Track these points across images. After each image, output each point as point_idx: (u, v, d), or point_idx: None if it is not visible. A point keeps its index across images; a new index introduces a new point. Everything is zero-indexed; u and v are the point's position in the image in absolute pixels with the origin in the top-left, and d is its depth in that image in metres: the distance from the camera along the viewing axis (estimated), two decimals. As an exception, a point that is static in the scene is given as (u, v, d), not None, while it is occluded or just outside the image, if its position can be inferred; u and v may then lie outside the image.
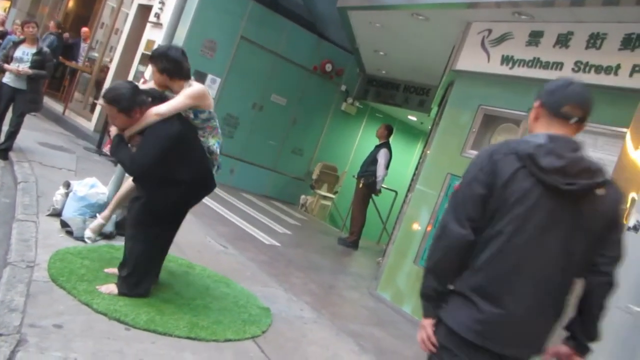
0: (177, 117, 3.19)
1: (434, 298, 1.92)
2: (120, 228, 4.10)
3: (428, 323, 1.93)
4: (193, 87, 3.32)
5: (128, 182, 3.57)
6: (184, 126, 3.21)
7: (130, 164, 3.10)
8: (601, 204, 1.82)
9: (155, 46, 7.52)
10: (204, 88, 3.41)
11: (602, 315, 1.90)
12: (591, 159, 1.85)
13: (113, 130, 3.17)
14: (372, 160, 7.65)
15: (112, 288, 3.19)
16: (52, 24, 10.56)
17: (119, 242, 3.72)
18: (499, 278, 1.81)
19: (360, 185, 7.73)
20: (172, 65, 3.33)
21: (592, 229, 1.83)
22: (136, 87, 3.15)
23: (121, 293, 3.17)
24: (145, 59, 8.38)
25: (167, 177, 3.16)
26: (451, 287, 1.91)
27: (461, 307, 1.85)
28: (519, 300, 1.79)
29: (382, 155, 7.57)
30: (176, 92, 3.32)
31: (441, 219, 1.93)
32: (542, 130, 1.91)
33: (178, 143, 3.14)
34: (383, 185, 7.85)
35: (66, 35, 10.82)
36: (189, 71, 3.43)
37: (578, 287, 1.90)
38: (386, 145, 7.71)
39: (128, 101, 3.02)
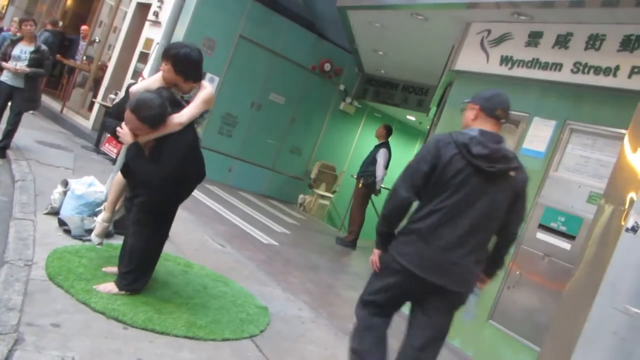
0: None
1: (384, 237, 2.70)
2: (118, 227, 4.09)
3: (377, 252, 2.75)
4: (206, 91, 3.28)
5: (117, 179, 3.51)
6: (194, 128, 3.23)
7: (154, 176, 3.06)
8: (513, 182, 2.59)
9: (157, 41, 7.51)
10: (212, 89, 3.40)
11: (506, 255, 2.75)
12: (509, 149, 2.64)
13: (127, 136, 3.06)
14: (371, 161, 7.64)
15: (110, 287, 3.18)
16: (48, 20, 10.53)
17: (117, 241, 3.71)
18: (433, 227, 2.52)
19: (360, 185, 7.72)
20: (193, 68, 3.23)
21: (505, 200, 2.58)
22: (164, 102, 3.02)
23: (121, 289, 3.18)
24: (144, 57, 8.37)
25: (177, 177, 3.15)
26: (396, 231, 2.67)
27: (403, 244, 2.60)
28: (444, 243, 2.51)
29: (381, 156, 7.57)
30: (184, 92, 3.30)
31: (394, 184, 2.63)
32: (477, 126, 2.60)
33: (193, 147, 3.18)
34: (382, 185, 7.85)
35: (60, 29, 10.71)
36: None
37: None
38: (385, 145, 7.70)
39: (159, 120, 2.98)
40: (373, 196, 7.93)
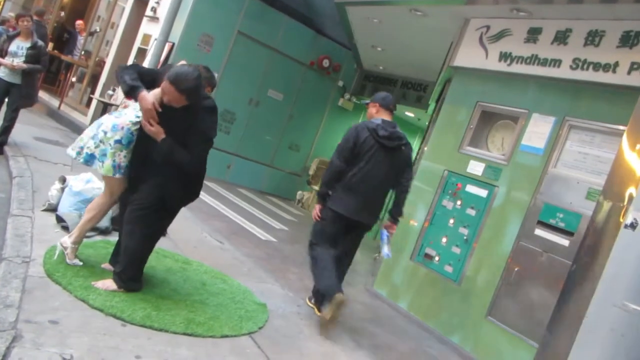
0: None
1: (324, 196, 3.96)
2: (115, 223, 4.08)
3: (318, 207, 4.00)
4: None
5: (95, 204, 3.37)
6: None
7: (192, 162, 3.12)
8: (403, 154, 3.96)
9: (155, 37, 7.46)
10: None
11: (403, 204, 4.04)
12: (400, 131, 3.95)
13: (159, 133, 3.06)
14: None
15: (108, 284, 3.17)
16: (33, 11, 10.41)
17: (115, 238, 3.70)
18: (356, 185, 3.84)
19: None
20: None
21: (399, 165, 3.96)
22: (200, 75, 3.07)
23: (119, 286, 3.17)
24: (142, 53, 8.34)
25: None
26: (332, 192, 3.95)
27: (338, 199, 3.89)
28: (362, 196, 3.86)
29: None
30: None
31: (331, 158, 3.96)
32: (379, 117, 3.99)
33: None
34: None
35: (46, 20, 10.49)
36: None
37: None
38: None
39: (197, 92, 3.03)
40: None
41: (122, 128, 3.23)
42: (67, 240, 3.35)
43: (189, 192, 3.37)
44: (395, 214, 4.03)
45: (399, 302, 4.96)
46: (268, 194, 9.46)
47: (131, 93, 3.06)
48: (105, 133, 3.20)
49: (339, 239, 3.97)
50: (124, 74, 3.11)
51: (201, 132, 3.13)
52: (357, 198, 3.83)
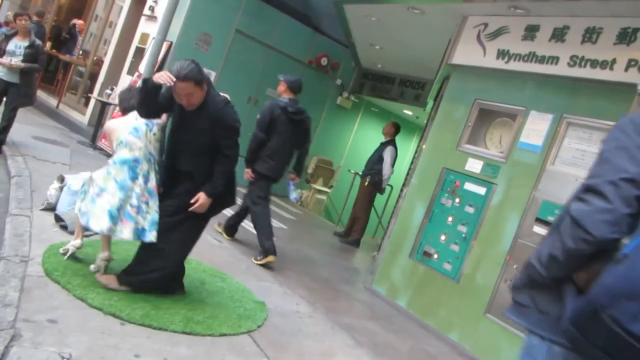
0: None
1: (251, 161, 5.03)
2: None
3: (249, 170, 5.05)
4: None
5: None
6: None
7: (234, 159, 3.43)
8: (305, 124, 5.20)
9: (153, 36, 7.47)
10: None
11: (304, 162, 5.43)
12: (302, 107, 5.18)
13: (203, 206, 3.24)
14: (377, 159, 7.46)
15: (111, 279, 3.17)
16: (33, 12, 10.39)
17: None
18: (275, 151, 5.00)
19: (366, 184, 7.59)
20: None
21: (302, 133, 5.21)
22: (193, 60, 3.16)
23: (121, 284, 3.19)
24: (140, 52, 8.33)
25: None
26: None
27: (262, 163, 5.00)
28: (280, 159, 5.06)
29: (388, 153, 7.39)
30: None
31: (253, 132, 5.01)
32: (287, 96, 5.07)
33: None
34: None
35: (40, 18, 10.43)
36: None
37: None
38: (392, 142, 7.55)
39: (199, 74, 3.09)
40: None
41: (157, 193, 3.29)
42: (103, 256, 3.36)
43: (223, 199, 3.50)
44: (298, 170, 5.42)
45: (397, 300, 4.97)
46: (267, 192, 9.44)
47: (145, 82, 3.13)
48: (148, 203, 3.22)
49: (268, 193, 5.22)
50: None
51: (228, 127, 3.27)
52: (277, 162, 5.02)
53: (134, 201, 3.16)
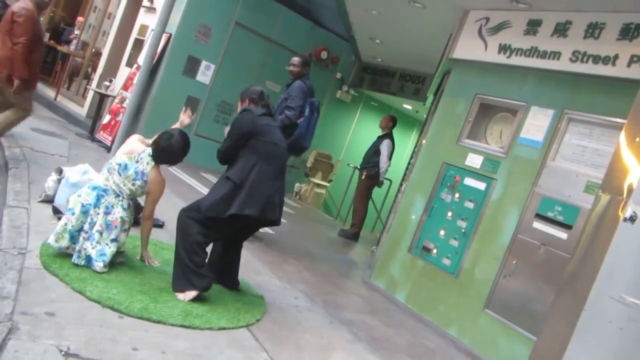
0: None
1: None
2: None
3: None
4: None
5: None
6: None
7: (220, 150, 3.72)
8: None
9: (152, 28, 7.40)
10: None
11: None
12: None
13: None
14: (374, 152, 7.49)
15: (191, 295, 3.32)
16: None
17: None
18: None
19: (363, 177, 7.61)
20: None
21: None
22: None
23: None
24: (139, 44, 8.28)
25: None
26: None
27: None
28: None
29: (385, 147, 7.41)
30: None
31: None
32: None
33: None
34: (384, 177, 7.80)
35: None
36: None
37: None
38: (389, 136, 7.57)
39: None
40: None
41: (116, 226, 3.37)
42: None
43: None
44: None
45: (396, 294, 4.97)
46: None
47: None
48: (101, 234, 3.31)
49: None
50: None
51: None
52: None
53: (87, 227, 3.31)
